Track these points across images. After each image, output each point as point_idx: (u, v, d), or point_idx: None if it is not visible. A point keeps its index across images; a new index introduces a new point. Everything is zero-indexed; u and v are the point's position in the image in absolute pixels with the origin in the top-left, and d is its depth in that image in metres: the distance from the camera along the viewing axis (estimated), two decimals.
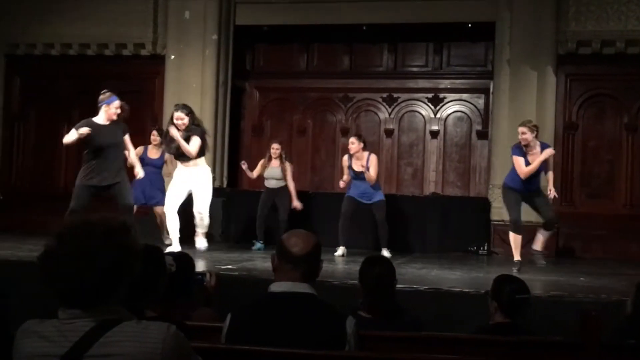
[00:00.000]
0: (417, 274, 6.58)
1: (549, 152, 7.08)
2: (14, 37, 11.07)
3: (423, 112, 11.28)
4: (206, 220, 7.66)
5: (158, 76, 10.70)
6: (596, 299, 5.06)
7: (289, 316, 2.50)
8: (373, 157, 8.26)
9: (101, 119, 7.02)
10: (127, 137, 7.17)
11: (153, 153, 8.88)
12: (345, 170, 8.40)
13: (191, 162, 7.52)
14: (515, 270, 6.87)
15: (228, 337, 2.55)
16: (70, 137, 6.92)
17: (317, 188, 10.86)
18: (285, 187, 8.90)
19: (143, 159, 8.53)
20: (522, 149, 7.09)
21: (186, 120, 7.44)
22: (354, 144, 8.25)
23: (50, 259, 1.75)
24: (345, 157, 8.44)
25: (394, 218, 8.84)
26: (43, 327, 1.79)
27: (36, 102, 11.28)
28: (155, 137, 8.90)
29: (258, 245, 8.68)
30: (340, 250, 8.16)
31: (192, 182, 7.53)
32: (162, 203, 8.31)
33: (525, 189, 7.15)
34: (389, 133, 11.27)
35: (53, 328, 1.77)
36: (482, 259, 8.74)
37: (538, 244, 7.26)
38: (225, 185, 10.55)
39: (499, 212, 9.45)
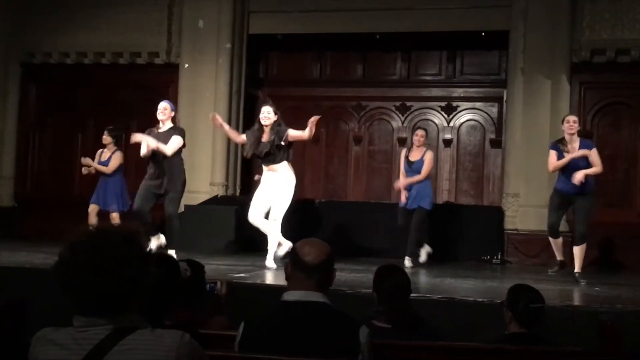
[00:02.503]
0: (430, 282, 6.55)
1: (582, 152, 6.85)
2: (30, 46, 11.16)
3: (436, 121, 11.26)
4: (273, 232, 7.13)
5: (172, 85, 10.75)
6: (612, 309, 5.01)
7: (302, 325, 2.50)
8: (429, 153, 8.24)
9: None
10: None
11: (104, 155, 8.79)
12: (402, 167, 8.29)
13: (274, 167, 7.19)
14: (550, 272, 7.04)
15: (241, 346, 2.55)
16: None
17: (331, 196, 10.85)
18: None
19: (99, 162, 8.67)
20: (557, 145, 6.99)
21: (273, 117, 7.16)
22: (423, 136, 8.26)
23: (66, 268, 1.76)
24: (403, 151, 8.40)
25: (407, 227, 8.83)
26: (58, 335, 1.80)
27: (52, 110, 11.36)
28: (105, 137, 8.77)
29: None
30: (407, 261, 7.95)
31: (272, 188, 7.15)
32: (118, 209, 8.45)
33: (571, 188, 6.95)
34: (402, 142, 11.24)
35: (68, 336, 1.78)
36: (495, 268, 8.68)
37: (576, 263, 7.07)
38: (238, 194, 10.57)
39: (513, 221, 9.41)
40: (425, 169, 8.05)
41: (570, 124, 7.01)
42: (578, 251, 7.07)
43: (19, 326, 2.67)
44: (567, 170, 6.96)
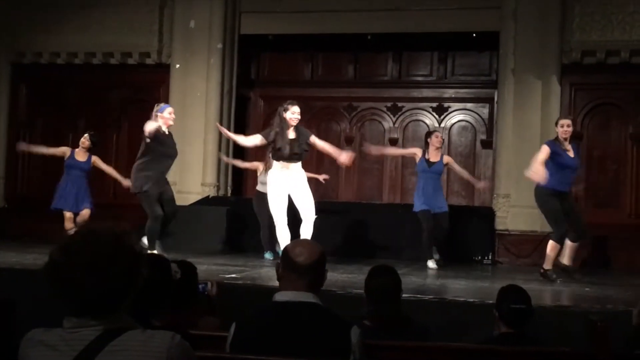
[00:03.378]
0: (421, 283, 6.55)
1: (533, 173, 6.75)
2: (20, 46, 11.12)
3: (427, 122, 11.28)
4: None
5: (163, 85, 10.73)
6: (602, 309, 5.03)
7: (294, 326, 2.50)
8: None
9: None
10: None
11: (80, 156, 8.84)
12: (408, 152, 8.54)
13: (299, 164, 7.13)
14: (554, 277, 6.94)
15: (233, 347, 2.55)
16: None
17: (322, 197, 10.83)
18: None
19: (70, 163, 8.71)
20: (556, 144, 6.95)
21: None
22: (442, 139, 8.38)
23: (58, 269, 1.75)
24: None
25: (398, 227, 8.84)
26: (48, 336, 1.79)
27: (42, 110, 11.33)
28: (85, 140, 8.82)
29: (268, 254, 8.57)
30: (431, 263, 7.99)
31: (291, 184, 7.05)
32: (90, 207, 8.58)
33: (563, 188, 6.97)
34: (394, 142, 11.27)
35: (58, 337, 1.77)
36: (486, 268, 8.71)
37: (566, 257, 7.04)
38: (229, 194, 10.56)
39: (504, 221, 9.44)
40: (459, 168, 8.46)
41: (565, 129, 6.99)
42: (577, 247, 7.07)
43: (8, 327, 2.66)
44: (564, 170, 6.96)
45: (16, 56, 11.23)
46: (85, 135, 8.89)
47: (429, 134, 8.56)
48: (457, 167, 8.50)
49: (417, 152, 8.38)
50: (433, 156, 8.20)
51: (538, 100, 9.43)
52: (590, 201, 9.58)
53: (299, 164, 7.14)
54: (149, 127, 7.11)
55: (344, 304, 4.46)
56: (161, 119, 7.28)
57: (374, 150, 8.70)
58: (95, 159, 8.84)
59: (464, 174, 8.65)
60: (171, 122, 7.37)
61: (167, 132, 7.41)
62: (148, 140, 7.19)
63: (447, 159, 8.36)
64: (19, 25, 11.05)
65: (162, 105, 7.49)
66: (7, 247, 8.09)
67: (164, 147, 7.34)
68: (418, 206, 8.06)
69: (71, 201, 8.65)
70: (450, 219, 8.25)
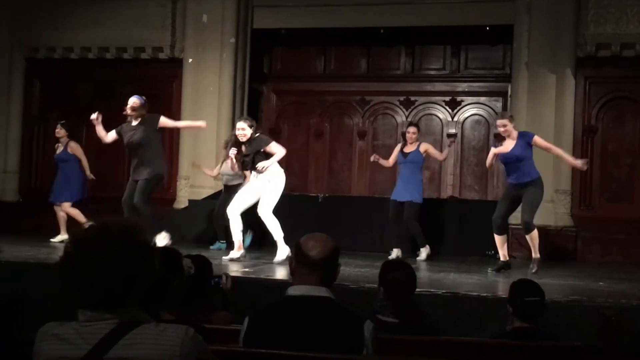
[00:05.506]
0: (434, 277, 6.54)
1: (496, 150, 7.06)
2: (34, 41, 11.17)
3: (440, 116, 11.25)
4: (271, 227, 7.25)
5: (176, 79, 10.75)
6: (616, 304, 5.00)
7: (307, 320, 2.50)
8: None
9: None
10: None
11: (59, 149, 8.99)
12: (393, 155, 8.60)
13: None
14: (490, 271, 7.08)
15: (246, 341, 2.56)
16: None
17: (335, 191, 10.86)
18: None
19: (55, 158, 8.96)
20: (495, 142, 7.25)
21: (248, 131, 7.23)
22: (415, 133, 8.42)
23: (71, 263, 1.76)
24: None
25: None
26: (62, 329, 1.80)
27: (56, 105, 11.37)
28: (58, 130, 8.95)
29: (218, 244, 8.64)
30: (424, 252, 8.17)
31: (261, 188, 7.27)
32: (71, 199, 8.72)
33: (515, 181, 7.09)
34: None
35: (72, 330, 1.78)
36: (499, 263, 8.66)
37: (533, 251, 7.14)
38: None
39: (517, 215, 9.37)
40: (435, 153, 8.54)
41: (501, 129, 7.14)
42: (529, 239, 7.14)
43: (19, 321, 2.69)
44: (507, 166, 7.14)
45: (30, 51, 11.28)
46: (57, 125, 9.04)
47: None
48: (434, 152, 8.55)
49: (397, 147, 8.62)
50: (409, 148, 8.39)
51: (552, 94, 9.36)
52: (604, 195, 9.52)
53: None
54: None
55: (357, 298, 4.47)
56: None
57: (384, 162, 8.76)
58: (72, 146, 8.92)
59: (442, 157, 8.78)
60: (128, 113, 7.64)
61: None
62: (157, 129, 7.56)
63: (424, 147, 8.41)
64: (32, 20, 11.09)
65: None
66: (21, 242, 8.15)
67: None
68: (391, 196, 8.38)
69: (53, 193, 8.88)
70: (462, 213, 8.24)
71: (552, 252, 8.40)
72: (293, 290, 2.57)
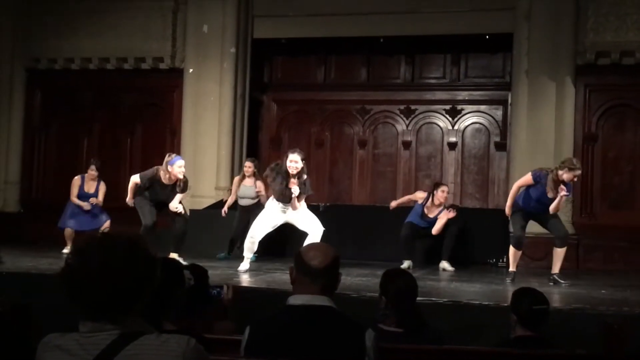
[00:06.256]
0: (436, 286, 6.54)
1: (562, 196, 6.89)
2: (35, 52, 11.20)
3: (441, 124, 11.26)
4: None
5: (177, 89, 10.77)
6: (618, 312, 4.99)
7: (308, 329, 2.49)
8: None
9: (165, 178, 7.56)
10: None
11: (89, 185, 9.07)
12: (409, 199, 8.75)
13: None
14: (509, 280, 7.05)
15: (247, 350, 2.55)
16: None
17: (335, 200, 10.86)
18: (259, 204, 8.70)
19: (81, 194, 8.98)
20: (543, 180, 6.96)
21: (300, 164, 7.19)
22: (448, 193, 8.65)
23: (74, 274, 1.76)
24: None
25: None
26: (64, 340, 1.80)
27: (57, 115, 11.40)
28: (91, 171, 9.05)
29: (222, 255, 8.71)
30: (406, 264, 8.15)
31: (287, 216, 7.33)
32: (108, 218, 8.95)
33: (535, 211, 7.16)
34: (407, 145, 11.25)
35: (74, 341, 1.78)
36: (501, 271, 8.65)
37: (556, 266, 7.13)
38: None
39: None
40: (439, 228, 8.34)
41: (568, 177, 6.84)
42: (561, 253, 7.13)
43: (25, 331, 2.68)
44: (544, 204, 7.04)
45: (31, 62, 11.32)
46: (91, 166, 9.09)
47: (436, 185, 8.61)
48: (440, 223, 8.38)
49: (421, 196, 8.56)
50: (431, 211, 8.39)
51: (552, 102, 9.38)
52: (605, 202, 9.52)
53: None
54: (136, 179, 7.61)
55: (358, 307, 4.47)
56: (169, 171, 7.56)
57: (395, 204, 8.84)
58: (101, 187, 9.04)
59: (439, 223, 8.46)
60: (180, 176, 7.56)
61: (165, 184, 7.62)
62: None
63: (442, 215, 8.32)
64: (33, 31, 11.13)
65: (174, 156, 7.67)
66: (22, 252, 8.15)
67: (155, 194, 7.68)
68: (407, 219, 8.47)
69: (85, 221, 8.92)
70: (463, 221, 8.27)
71: (552, 261, 8.37)
72: (294, 300, 2.57)
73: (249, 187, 8.90)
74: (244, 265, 7.28)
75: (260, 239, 7.34)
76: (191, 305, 2.95)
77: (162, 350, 1.75)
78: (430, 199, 8.40)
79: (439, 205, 8.35)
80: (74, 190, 9.00)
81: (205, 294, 3.40)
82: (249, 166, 9.02)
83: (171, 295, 2.63)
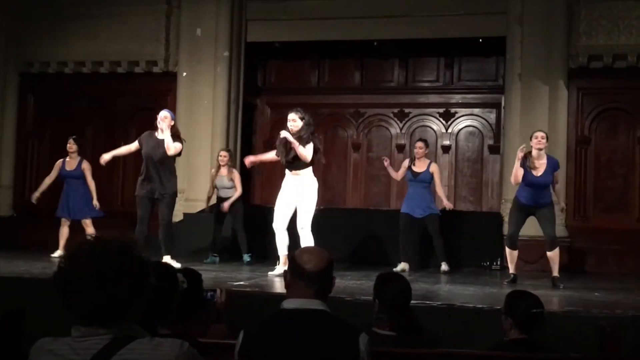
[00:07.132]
0: (429, 289, 6.54)
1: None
2: (28, 56, 11.18)
3: (434, 127, 11.27)
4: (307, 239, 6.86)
5: (170, 93, 10.75)
6: (611, 315, 5.00)
7: (302, 333, 2.49)
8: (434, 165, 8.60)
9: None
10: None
11: (70, 164, 8.91)
12: (401, 171, 8.69)
13: (300, 172, 6.98)
14: (505, 283, 7.11)
15: (241, 354, 2.55)
16: None
17: (329, 203, 10.85)
18: (240, 201, 8.84)
19: (62, 173, 8.84)
20: (525, 161, 7.09)
21: (299, 123, 6.92)
22: (422, 148, 8.54)
23: (66, 277, 1.76)
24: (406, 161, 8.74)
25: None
26: (57, 345, 1.79)
27: (50, 120, 11.37)
28: (70, 145, 8.88)
29: (211, 258, 8.66)
30: (401, 266, 8.14)
31: (298, 194, 6.97)
32: (90, 215, 8.70)
33: (530, 202, 7.14)
34: (401, 148, 11.26)
35: (67, 346, 1.78)
36: (495, 274, 8.68)
37: (554, 269, 7.18)
38: None
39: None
40: (438, 182, 8.52)
41: (539, 140, 7.16)
42: (554, 256, 7.18)
43: (17, 336, 2.67)
44: (533, 185, 7.09)
45: (24, 66, 11.29)
46: (70, 140, 8.95)
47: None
48: (437, 180, 8.53)
49: (405, 162, 8.69)
50: (419, 166, 8.48)
51: (545, 105, 9.40)
52: (598, 206, 9.55)
53: (302, 170, 7.02)
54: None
55: (352, 310, 4.46)
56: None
57: (393, 173, 8.84)
58: (85, 166, 8.87)
59: (439, 190, 8.61)
60: (162, 125, 7.60)
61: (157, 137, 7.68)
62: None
63: (433, 168, 8.51)
64: (26, 35, 11.10)
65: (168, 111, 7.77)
66: (15, 256, 8.12)
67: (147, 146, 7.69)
68: (402, 209, 8.45)
69: (66, 210, 8.79)
70: (457, 224, 8.25)
71: (546, 263, 8.38)
72: (288, 304, 2.57)
73: (224, 177, 8.88)
74: (278, 269, 6.89)
75: (282, 224, 7.00)
76: (184, 309, 2.94)
77: (155, 354, 1.75)
78: (412, 160, 8.58)
79: (421, 158, 8.49)
80: (53, 173, 8.94)
81: (198, 297, 3.38)
82: (224, 155, 8.95)
83: (165, 299, 2.63)
